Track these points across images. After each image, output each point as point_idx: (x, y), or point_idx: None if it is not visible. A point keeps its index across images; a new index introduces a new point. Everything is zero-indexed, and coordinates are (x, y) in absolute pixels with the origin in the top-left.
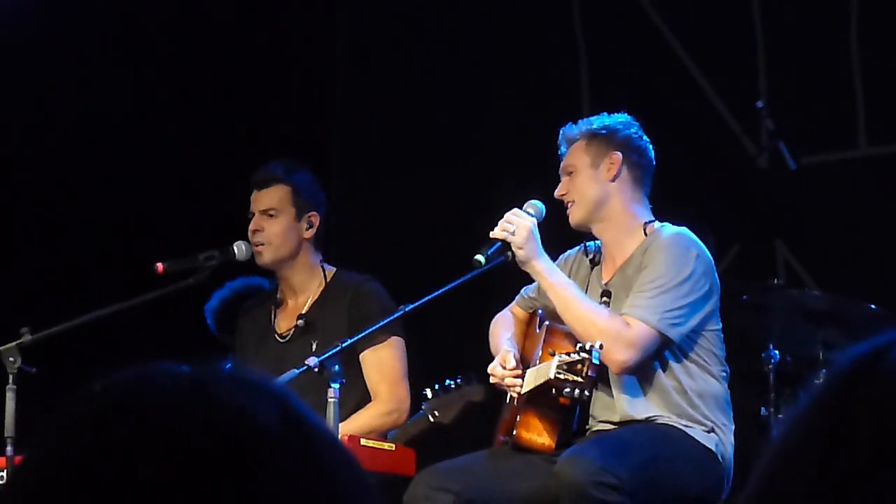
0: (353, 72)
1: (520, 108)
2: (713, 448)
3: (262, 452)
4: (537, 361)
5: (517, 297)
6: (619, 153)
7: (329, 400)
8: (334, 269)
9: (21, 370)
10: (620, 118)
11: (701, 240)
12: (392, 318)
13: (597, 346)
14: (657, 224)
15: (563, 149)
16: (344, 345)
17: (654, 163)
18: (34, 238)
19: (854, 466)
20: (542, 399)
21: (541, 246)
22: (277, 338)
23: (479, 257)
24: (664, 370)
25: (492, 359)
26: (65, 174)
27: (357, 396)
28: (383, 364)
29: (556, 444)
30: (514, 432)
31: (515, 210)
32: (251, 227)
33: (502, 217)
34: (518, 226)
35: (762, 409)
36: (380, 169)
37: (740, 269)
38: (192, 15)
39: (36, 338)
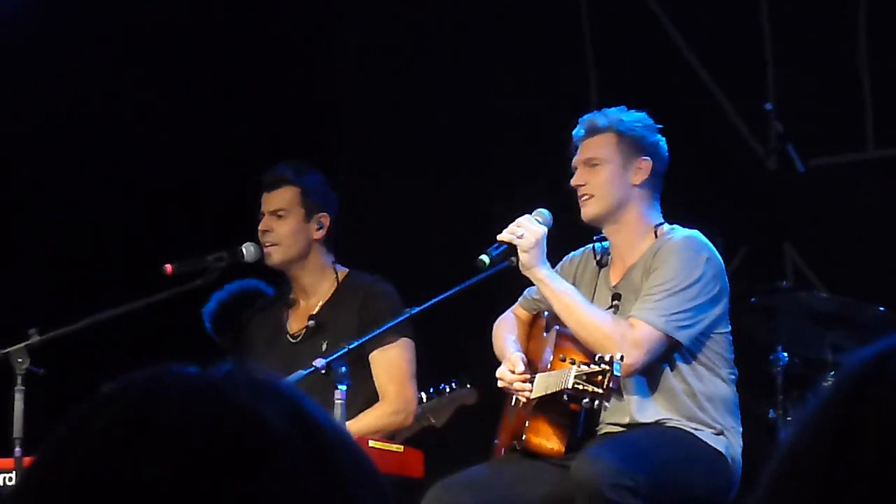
0: (359, 74)
1: (527, 110)
2: (722, 450)
3: (274, 454)
4: (548, 366)
5: (520, 299)
6: (649, 160)
7: (336, 401)
8: (346, 269)
9: (29, 371)
10: (647, 119)
11: (709, 242)
12: (398, 320)
13: (617, 357)
14: (667, 226)
15: (582, 135)
16: (351, 346)
17: None
18: (42, 239)
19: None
20: (553, 405)
21: (545, 254)
22: (289, 338)
23: (484, 258)
24: (673, 373)
25: (495, 360)
26: (73, 175)
27: (365, 397)
28: (392, 364)
29: (565, 449)
30: (524, 437)
31: (527, 216)
32: (261, 227)
33: (510, 220)
34: (528, 230)
35: (770, 411)
36: (386, 171)
37: (748, 271)
38: (202, 17)
39: (44, 339)
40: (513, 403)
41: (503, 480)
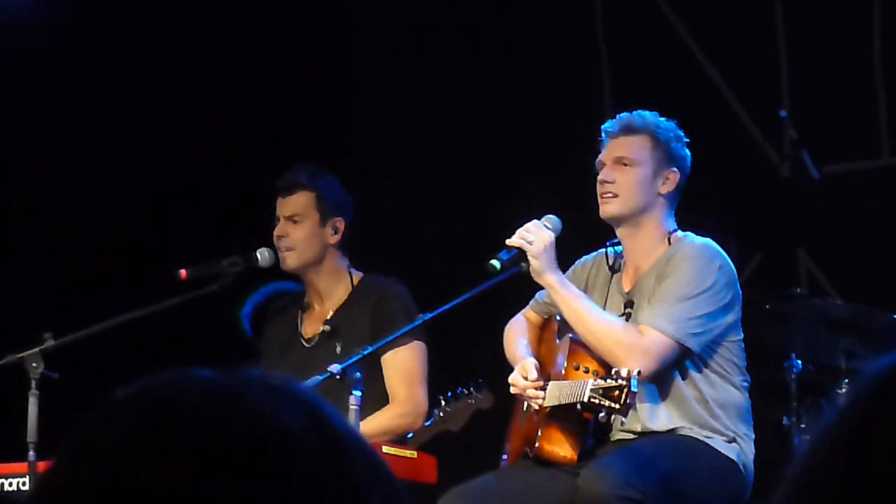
0: (373, 79)
1: (541, 115)
2: (734, 458)
3: (292, 458)
4: (562, 374)
5: (531, 302)
6: (677, 172)
7: (350, 406)
8: (361, 274)
9: (44, 375)
10: (678, 131)
11: (723, 248)
12: (411, 326)
13: (634, 372)
14: (680, 233)
15: (615, 131)
16: (366, 352)
17: None
18: (57, 243)
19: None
20: (566, 413)
21: (555, 260)
22: (304, 342)
23: (494, 262)
24: (685, 380)
25: (506, 364)
26: (89, 179)
27: (376, 398)
28: (403, 366)
29: (578, 457)
30: (536, 444)
31: (535, 222)
32: (276, 232)
33: (521, 225)
34: (537, 236)
35: (784, 418)
36: (398, 176)
37: (762, 278)
38: (216, 22)
39: (59, 343)
40: (524, 409)
41: (515, 488)
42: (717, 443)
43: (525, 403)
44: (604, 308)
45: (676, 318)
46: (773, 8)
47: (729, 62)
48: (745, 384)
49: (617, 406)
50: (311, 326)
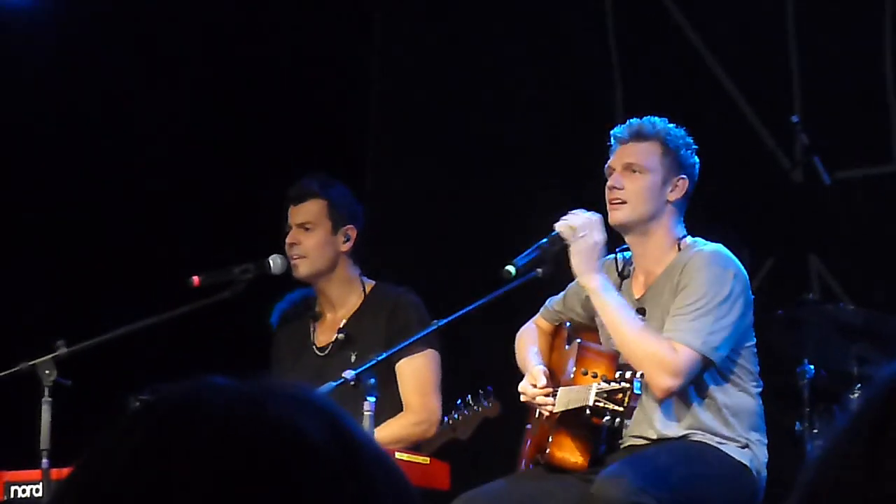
0: (386, 87)
1: (553, 122)
2: (747, 463)
3: (311, 466)
4: (570, 379)
5: (542, 310)
6: (686, 179)
7: (364, 413)
8: (373, 282)
9: (56, 383)
10: (688, 138)
11: (735, 254)
12: (425, 332)
13: (638, 375)
14: (689, 240)
15: (625, 137)
16: (379, 358)
17: None
18: (71, 251)
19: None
20: (576, 419)
21: (598, 262)
22: (316, 351)
23: (509, 268)
24: (699, 388)
25: (517, 370)
26: (103, 187)
27: (392, 406)
28: (417, 375)
29: (589, 463)
30: (547, 451)
31: (591, 214)
32: (287, 240)
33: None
34: (590, 230)
35: (797, 423)
36: (412, 183)
37: (774, 283)
38: (228, 32)
39: (71, 350)
40: (536, 417)
41: (527, 494)
42: (731, 449)
43: (536, 411)
44: None
45: (701, 331)
46: (785, 14)
47: (741, 68)
48: (758, 389)
49: (620, 409)
50: (324, 335)
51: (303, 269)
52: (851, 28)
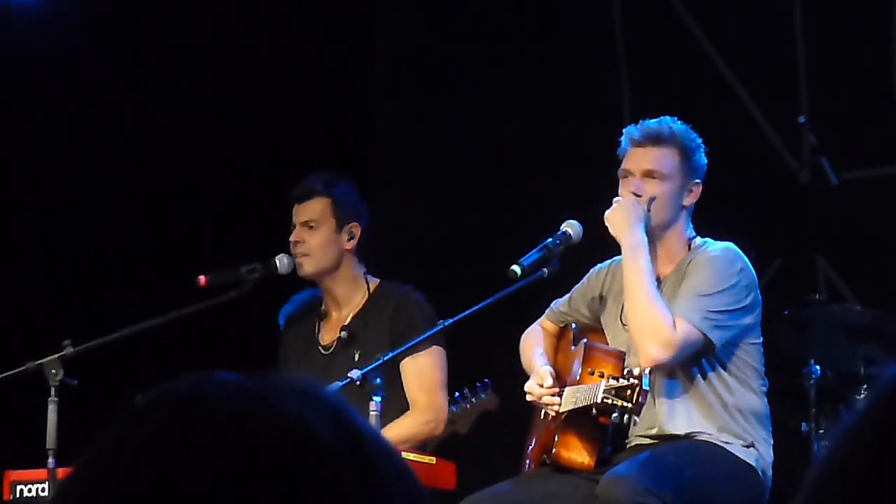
0: (392, 85)
1: (559, 123)
2: (753, 463)
3: (322, 463)
4: (577, 379)
5: (547, 311)
6: (700, 184)
7: (370, 412)
8: (378, 280)
9: (63, 383)
10: (699, 139)
11: (742, 253)
12: (431, 332)
13: (646, 372)
14: (699, 240)
15: (641, 140)
16: (385, 358)
17: None
18: (77, 250)
19: None
20: (582, 419)
21: (639, 222)
22: (321, 349)
23: (515, 268)
24: (705, 385)
25: (522, 371)
26: (107, 187)
27: (398, 405)
28: (422, 373)
29: (595, 463)
30: (553, 451)
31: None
32: (292, 238)
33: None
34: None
35: (803, 424)
36: (417, 183)
37: (781, 284)
38: (233, 30)
39: (78, 350)
40: (542, 417)
41: (532, 495)
42: (736, 448)
43: (542, 411)
44: (619, 315)
45: (700, 308)
46: (793, 15)
47: (748, 69)
48: (764, 388)
49: (630, 405)
50: (329, 334)
51: (307, 267)
52: (859, 28)
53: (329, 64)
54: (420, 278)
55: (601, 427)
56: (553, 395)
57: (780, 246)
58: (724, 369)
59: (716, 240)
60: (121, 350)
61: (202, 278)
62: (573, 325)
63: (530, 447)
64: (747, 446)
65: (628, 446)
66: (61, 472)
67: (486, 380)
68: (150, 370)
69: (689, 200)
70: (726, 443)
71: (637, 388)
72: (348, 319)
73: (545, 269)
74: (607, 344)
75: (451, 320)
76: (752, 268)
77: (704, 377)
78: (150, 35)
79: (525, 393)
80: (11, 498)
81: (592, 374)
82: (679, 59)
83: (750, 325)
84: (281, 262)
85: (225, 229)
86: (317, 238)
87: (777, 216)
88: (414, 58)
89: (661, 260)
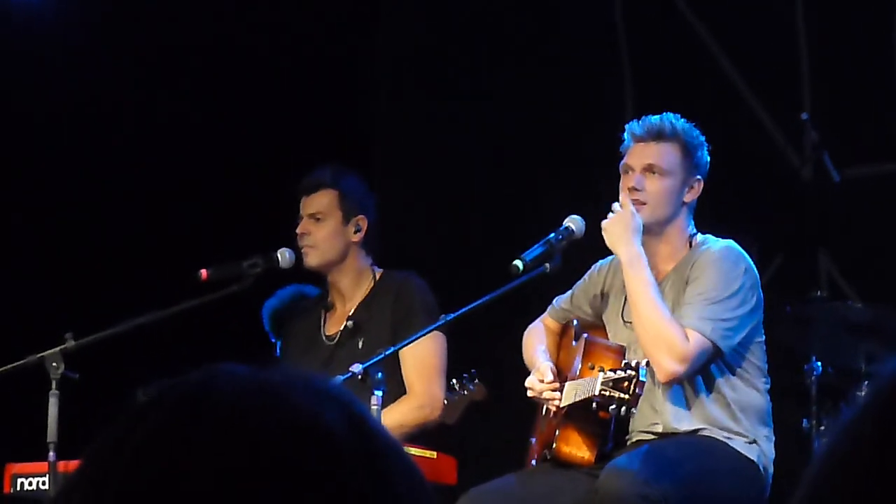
0: (393, 85)
1: (560, 123)
2: (754, 459)
3: (329, 455)
4: (577, 374)
5: (549, 308)
6: (702, 180)
7: (372, 407)
8: (382, 270)
9: (64, 376)
10: (701, 136)
11: (744, 251)
12: (432, 328)
13: (643, 363)
14: (700, 237)
15: (643, 136)
16: (387, 352)
17: None
18: (78, 244)
19: None
20: (582, 413)
21: (635, 235)
22: (325, 340)
23: (517, 263)
24: (708, 383)
25: (524, 366)
26: (109, 181)
27: (397, 392)
28: (421, 359)
29: (595, 458)
30: (554, 446)
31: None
32: (298, 230)
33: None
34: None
35: (804, 421)
36: (420, 178)
37: (783, 280)
38: (237, 28)
39: (79, 343)
40: (543, 413)
41: (533, 490)
42: (738, 444)
43: (543, 407)
44: (620, 312)
45: (711, 318)
46: (795, 12)
47: (751, 65)
48: (767, 385)
49: (627, 396)
50: (334, 325)
51: (312, 258)
52: (861, 26)
53: (330, 63)
54: (422, 274)
55: (602, 422)
56: (553, 391)
57: (782, 243)
58: (729, 368)
59: (717, 237)
60: (122, 344)
61: (204, 272)
62: (575, 322)
63: (533, 443)
64: (749, 442)
65: (630, 442)
66: (62, 466)
67: (472, 370)
68: (152, 364)
69: (690, 197)
70: (728, 438)
71: (634, 380)
72: (353, 310)
73: (547, 265)
74: (608, 340)
75: (452, 315)
76: (754, 266)
77: (708, 375)
78: (150, 34)
79: (526, 389)
80: (12, 491)
81: (592, 368)
82: (681, 57)
83: (754, 325)
84: (282, 256)
85: (227, 225)
86: (323, 230)
87: (779, 213)
88: (414, 58)
89: (661, 256)
